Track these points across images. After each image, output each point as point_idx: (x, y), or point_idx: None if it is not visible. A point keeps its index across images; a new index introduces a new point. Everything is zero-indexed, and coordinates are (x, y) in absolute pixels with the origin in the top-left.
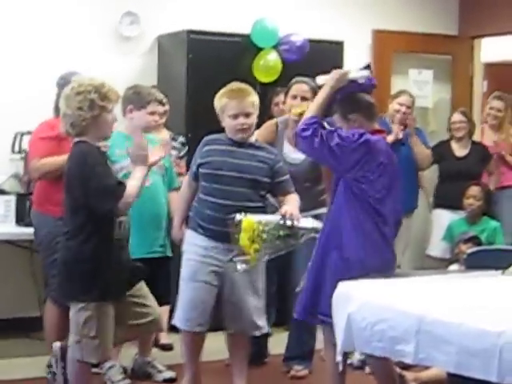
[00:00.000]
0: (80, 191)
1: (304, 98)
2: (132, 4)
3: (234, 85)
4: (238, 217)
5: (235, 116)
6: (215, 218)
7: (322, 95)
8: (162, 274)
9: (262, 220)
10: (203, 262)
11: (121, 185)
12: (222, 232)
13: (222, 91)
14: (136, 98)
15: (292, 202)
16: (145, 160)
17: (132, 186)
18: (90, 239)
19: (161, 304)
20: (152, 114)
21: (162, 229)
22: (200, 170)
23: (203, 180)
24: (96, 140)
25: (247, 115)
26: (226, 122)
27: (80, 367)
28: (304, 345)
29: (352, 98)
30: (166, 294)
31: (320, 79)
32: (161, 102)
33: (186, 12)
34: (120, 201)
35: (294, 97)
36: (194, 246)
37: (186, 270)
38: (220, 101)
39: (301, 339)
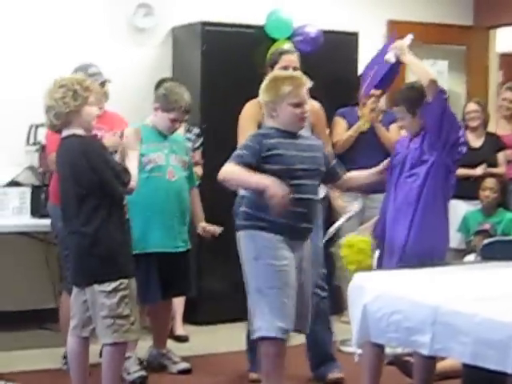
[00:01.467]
0: (91, 180)
1: (295, 68)
2: None
3: (288, 72)
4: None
5: (298, 104)
6: (293, 213)
7: (416, 62)
8: (183, 268)
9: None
10: (285, 266)
11: (127, 171)
12: (298, 228)
13: (276, 78)
14: (163, 100)
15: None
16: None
17: (134, 170)
18: (105, 223)
19: (179, 295)
20: (174, 121)
21: (185, 224)
22: (267, 165)
23: (274, 176)
24: (86, 132)
25: (305, 104)
26: (286, 111)
27: (117, 350)
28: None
29: (419, 93)
30: (187, 286)
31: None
32: (186, 112)
33: (201, 3)
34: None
35: (285, 68)
36: (267, 249)
37: (268, 276)
38: (281, 88)
39: None
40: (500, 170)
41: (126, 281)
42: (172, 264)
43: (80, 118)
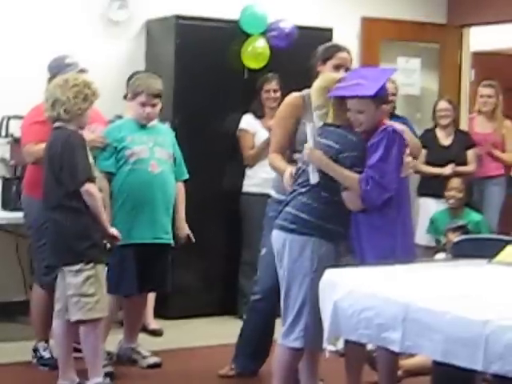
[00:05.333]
0: (65, 169)
1: (347, 69)
2: None
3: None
4: None
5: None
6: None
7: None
8: (162, 261)
9: None
10: None
11: (90, 170)
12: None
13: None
14: (130, 88)
15: None
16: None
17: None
18: (76, 209)
19: (156, 290)
20: (143, 105)
21: (169, 216)
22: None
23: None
24: (77, 129)
25: None
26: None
27: (88, 328)
28: None
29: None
30: (164, 281)
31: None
32: (154, 95)
33: None
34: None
35: (338, 66)
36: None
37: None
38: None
39: None
40: (470, 168)
41: (91, 264)
42: (152, 257)
43: (82, 118)
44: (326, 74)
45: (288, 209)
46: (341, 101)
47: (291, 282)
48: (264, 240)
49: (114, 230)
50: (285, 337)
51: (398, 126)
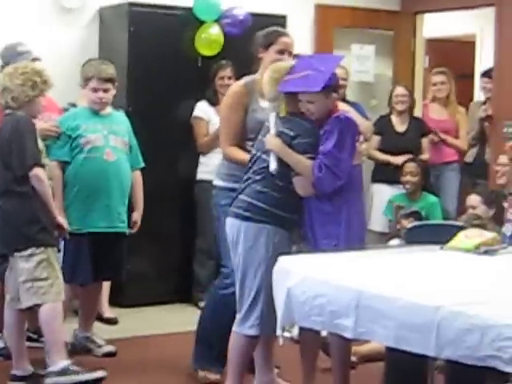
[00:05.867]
0: (14, 154)
1: (290, 53)
2: None
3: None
4: None
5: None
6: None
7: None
8: (117, 249)
9: None
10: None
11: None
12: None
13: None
14: (81, 74)
15: None
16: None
17: None
18: (24, 194)
19: (110, 279)
20: (94, 90)
21: (125, 205)
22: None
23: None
24: (27, 116)
25: None
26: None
27: (45, 312)
28: None
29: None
30: (118, 270)
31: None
32: (106, 80)
33: None
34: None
35: (281, 52)
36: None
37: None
38: None
39: None
40: (424, 157)
41: (42, 248)
42: (107, 246)
43: (33, 105)
44: (276, 65)
45: (242, 196)
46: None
47: (246, 269)
48: (223, 230)
49: (61, 220)
50: (240, 324)
51: (345, 106)
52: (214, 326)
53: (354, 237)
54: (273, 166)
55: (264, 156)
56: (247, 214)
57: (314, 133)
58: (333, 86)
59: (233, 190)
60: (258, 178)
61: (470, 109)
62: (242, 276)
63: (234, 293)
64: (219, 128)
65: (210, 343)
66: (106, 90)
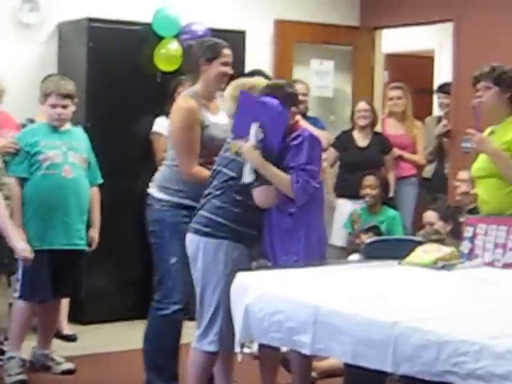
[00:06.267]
0: None
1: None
2: None
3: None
4: None
5: None
6: (259, 221)
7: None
8: (76, 266)
9: None
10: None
11: None
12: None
13: (259, 81)
14: (40, 90)
15: None
16: None
17: None
18: None
19: (69, 295)
20: (53, 106)
21: (83, 222)
22: None
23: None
24: None
25: None
26: None
27: None
28: None
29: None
30: (77, 286)
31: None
32: (64, 96)
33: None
34: None
35: (226, 64)
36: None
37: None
38: None
39: None
40: (390, 176)
41: None
42: (66, 263)
43: None
44: (236, 82)
45: (202, 212)
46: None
47: (205, 285)
48: (171, 248)
49: (23, 248)
50: (199, 340)
51: (304, 123)
52: (158, 348)
53: (314, 253)
54: (248, 178)
55: (225, 170)
56: (206, 229)
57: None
58: (292, 101)
59: (179, 205)
60: (217, 192)
61: (426, 124)
62: (201, 291)
63: (175, 312)
64: (177, 149)
65: (158, 366)
66: (64, 106)
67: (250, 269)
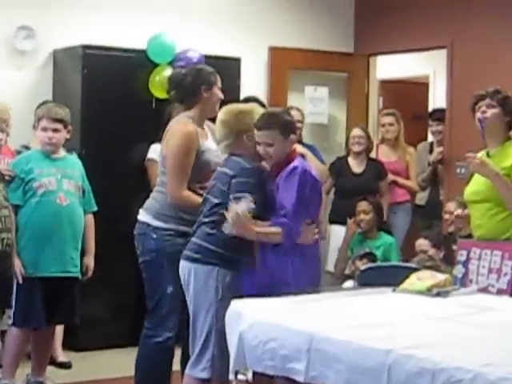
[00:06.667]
0: None
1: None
2: (27, 17)
3: (249, 104)
4: None
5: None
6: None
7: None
8: (70, 294)
9: None
10: None
11: None
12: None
13: (250, 109)
14: (34, 116)
15: None
16: None
17: None
18: None
19: (64, 323)
20: (44, 130)
21: (77, 249)
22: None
23: None
24: None
25: None
26: (253, 142)
27: None
28: None
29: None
30: (71, 313)
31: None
32: (55, 120)
33: (82, 27)
34: None
35: (220, 89)
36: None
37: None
38: (255, 118)
39: None
40: (385, 201)
41: None
42: (60, 290)
43: None
44: (228, 107)
45: (194, 239)
46: (241, 133)
47: (197, 311)
48: (168, 277)
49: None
50: (192, 367)
51: (302, 149)
52: (151, 375)
53: (312, 280)
54: (227, 229)
55: (211, 197)
56: (197, 256)
57: (253, 173)
58: (292, 129)
59: (177, 232)
60: (206, 220)
61: (418, 150)
62: (193, 318)
63: (168, 338)
64: (171, 172)
65: None
66: (55, 130)
67: (242, 296)
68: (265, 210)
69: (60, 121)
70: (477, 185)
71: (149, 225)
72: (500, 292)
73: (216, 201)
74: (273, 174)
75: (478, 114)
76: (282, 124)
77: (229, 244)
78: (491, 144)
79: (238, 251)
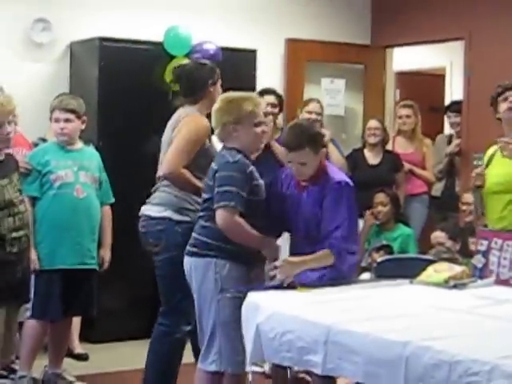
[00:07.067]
0: None
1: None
2: (44, 10)
3: (244, 93)
4: None
5: (259, 123)
6: None
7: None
8: (87, 286)
9: None
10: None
11: None
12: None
13: (235, 98)
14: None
15: None
16: None
17: None
18: None
19: (81, 314)
20: (57, 121)
21: (94, 241)
22: (250, 197)
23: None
24: None
25: (265, 123)
26: (249, 131)
27: None
28: None
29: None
30: (89, 306)
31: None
32: (67, 110)
33: (99, 19)
34: None
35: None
36: (234, 280)
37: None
38: (243, 108)
39: None
40: (401, 193)
41: None
42: (77, 282)
43: None
44: (223, 95)
45: (193, 234)
46: (226, 124)
47: (201, 305)
48: None
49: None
50: (202, 360)
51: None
52: (164, 373)
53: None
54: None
55: (202, 192)
56: (194, 249)
57: (236, 167)
58: (321, 142)
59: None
60: (202, 213)
61: (437, 142)
62: (198, 313)
63: (186, 333)
64: (175, 151)
65: None
66: (67, 120)
67: (249, 286)
68: (250, 205)
69: (72, 111)
70: (499, 176)
71: (170, 219)
72: None
73: (206, 196)
74: (305, 182)
75: (507, 103)
76: (312, 140)
77: (223, 236)
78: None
79: (234, 242)
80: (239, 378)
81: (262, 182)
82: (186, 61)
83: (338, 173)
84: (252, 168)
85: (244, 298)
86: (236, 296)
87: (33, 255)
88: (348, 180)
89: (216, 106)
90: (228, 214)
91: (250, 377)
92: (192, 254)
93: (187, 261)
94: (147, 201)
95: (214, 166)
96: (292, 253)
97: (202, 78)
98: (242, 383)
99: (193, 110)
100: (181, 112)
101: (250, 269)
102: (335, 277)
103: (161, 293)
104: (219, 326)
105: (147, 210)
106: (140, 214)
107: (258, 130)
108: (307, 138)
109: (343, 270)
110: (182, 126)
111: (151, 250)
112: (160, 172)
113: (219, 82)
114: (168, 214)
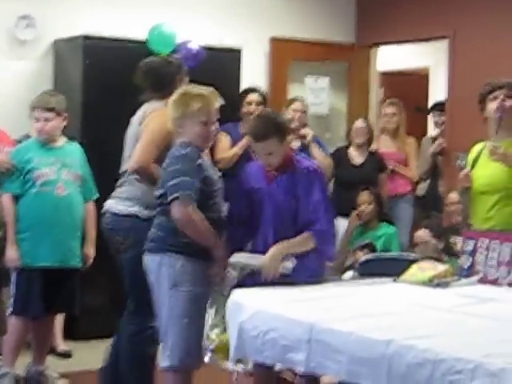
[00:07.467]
0: None
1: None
2: (28, 7)
3: (199, 89)
4: None
5: (205, 123)
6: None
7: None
8: (70, 284)
9: None
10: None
11: None
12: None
13: (186, 93)
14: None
15: None
16: None
17: None
18: None
19: (63, 312)
20: (36, 120)
21: (78, 238)
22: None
23: (205, 197)
24: None
25: (213, 123)
26: (193, 129)
27: None
28: None
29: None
30: (71, 303)
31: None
32: (48, 109)
33: (84, 16)
34: None
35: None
36: (187, 275)
37: (186, 304)
38: (190, 105)
39: None
40: (383, 193)
41: None
42: (60, 280)
43: None
44: (181, 89)
45: (151, 229)
46: (180, 121)
47: (156, 301)
48: None
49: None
50: (161, 358)
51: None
52: (137, 368)
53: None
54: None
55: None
56: (149, 245)
57: (182, 159)
58: (286, 130)
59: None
60: (158, 209)
61: (423, 144)
62: (156, 309)
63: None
64: (145, 145)
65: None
66: (46, 119)
67: (206, 280)
68: (203, 196)
69: (51, 109)
70: (486, 177)
71: (138, 216)
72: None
73: (159, 192)
74: (273, 173)
75: (496, 103)
76: (277, 129)
77: (174, 230)
78: (503, 134)
79: (186, 236)
80: (187, 374)
81: (212, 173)
82: (151, 58)
83: (305, 160)
84: (201, 161)
85: (200, 293)
86: (189, 291)
87: (14, 253)
88: (316, 165)
89: (171, 98)
90: (183, 205)
91: (234, 376)
92: (149, 250)
93: (145, 257)
94: (112, 195)
95: (167, 159)
96: (264, 251)
97: (171, 74)
98: (188, 380)
99: (160, 105)
100: (147, 107)
101: (207, 265)
102: (322, 260)
103: (129, 291)
104: (171, 322)
105: (113, 205)
106: (105, 209)
107: (204, 129)
108: (272, 126)
109: (328, 252)
110: (150, 121)
111: (117, 248)
112: (126, 166)
113: (186, 79)
114: (136, 209)
